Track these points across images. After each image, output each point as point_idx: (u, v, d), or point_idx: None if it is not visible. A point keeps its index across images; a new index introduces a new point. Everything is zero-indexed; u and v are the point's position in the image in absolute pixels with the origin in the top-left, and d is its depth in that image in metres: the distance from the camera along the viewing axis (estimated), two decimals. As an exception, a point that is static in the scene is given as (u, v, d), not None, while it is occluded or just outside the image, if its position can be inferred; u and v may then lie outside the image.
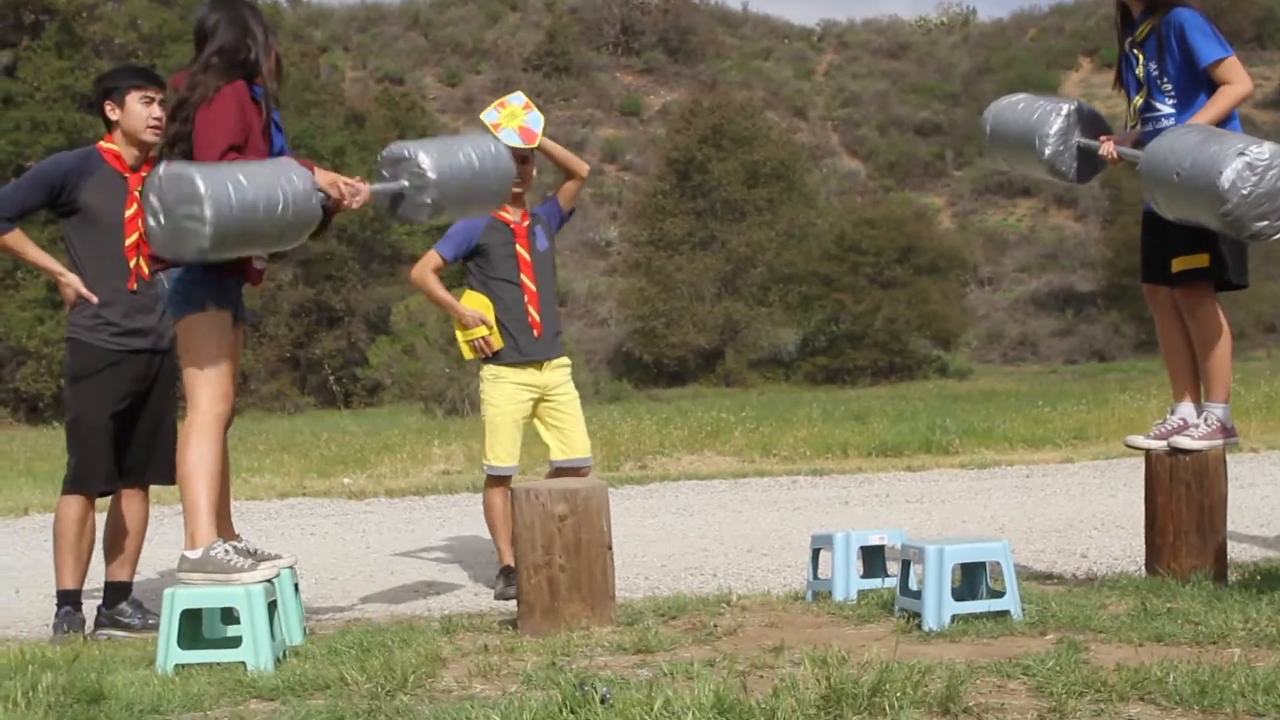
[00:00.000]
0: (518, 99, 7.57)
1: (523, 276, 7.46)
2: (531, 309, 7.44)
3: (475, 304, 7.45)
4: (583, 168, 7.76)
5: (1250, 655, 4.37)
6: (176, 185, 4.93)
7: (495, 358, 7.44)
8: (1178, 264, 6.04)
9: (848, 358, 44.62)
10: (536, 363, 7.46)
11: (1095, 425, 16.98)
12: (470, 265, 7.59)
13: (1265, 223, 5.41)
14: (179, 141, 5.29)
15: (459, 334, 7.52)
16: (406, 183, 5.63)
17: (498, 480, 7.38)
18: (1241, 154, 5.35)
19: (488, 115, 7.48)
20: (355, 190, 5.59)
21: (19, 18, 41.40)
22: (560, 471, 7.44)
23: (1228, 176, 5.32)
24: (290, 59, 49.60)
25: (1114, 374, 39.18)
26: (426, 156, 5.61)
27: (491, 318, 7.40)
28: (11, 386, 35.54)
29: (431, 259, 7.57)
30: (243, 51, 5.39)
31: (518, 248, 7.48)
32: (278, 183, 5.07)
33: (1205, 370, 6.10)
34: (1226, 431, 6.08)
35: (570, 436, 7.51)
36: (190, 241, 4.91)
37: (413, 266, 7.86)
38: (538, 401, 7.50)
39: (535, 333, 7.44)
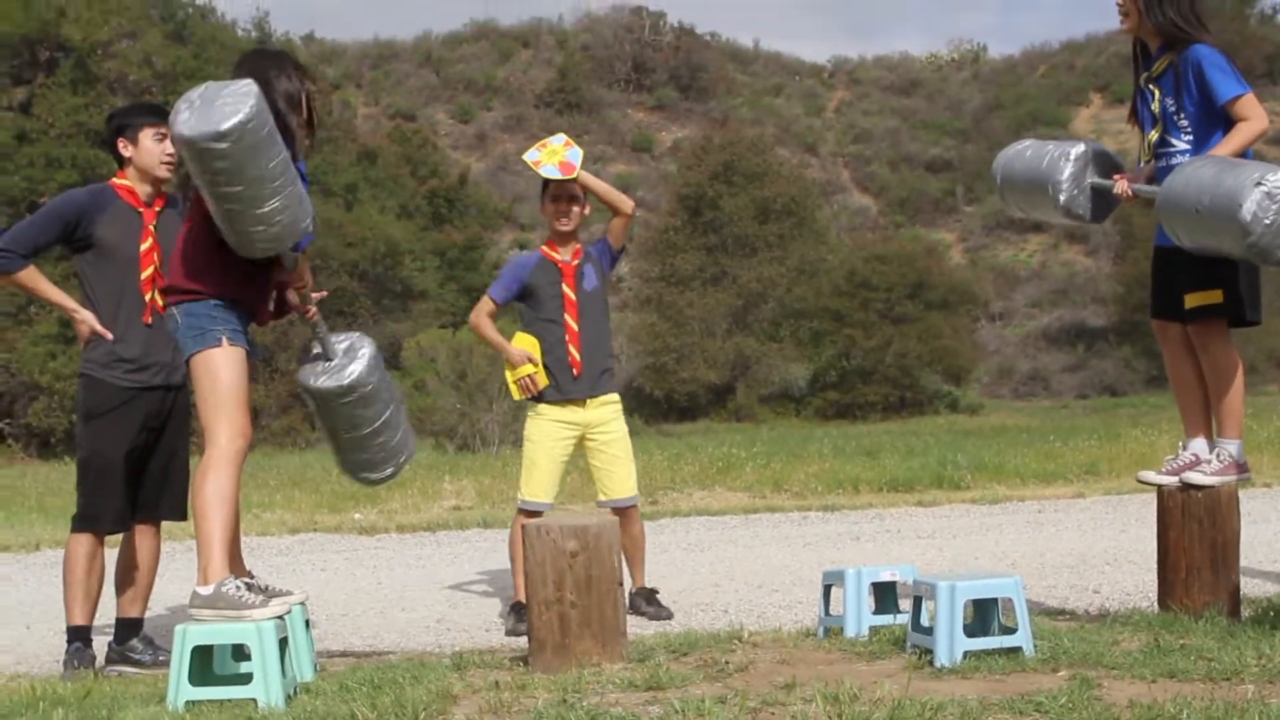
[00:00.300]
0: (559, 139, 7.78)
1: (566, 316, 7.63)
2: (572, 348, 7.59)
3: (523, 344, 7.66)
4: (626, 204, 7.82)
5: (1264, 692, 4.35)
6: (230, 86, 5.03)
7: (538, 396, 7.61)
8: (1191, 300, 6.03)
9: (859, 393, 44.56)
10: (578, 401, 7.61)
11: (1107, 460, 16.95)
12: (520, 306, 7.83)
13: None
14: (192, 186, 5.30)
15: (508, 373, 7.71)
16: (337, 356, 5.64)
17: (529, 515, 7.33)
18: (1259, 184, 5.36)
19: (530, 155, 7.68)
20: (306, 305, 5.67)
21: (34, 55, 41.62)
22: (612, 511, 7.54)
23: (1248, 208, 5.32)
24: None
25: (1125, 409, 39.12)
26: (365, 361, 5.68)
27: (539, 356, 7.58)
28: (24, 422, 35.55)
29: (485, 304, 7.86)
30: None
31: (564, 288, 7.66)
32: (300, 191, 5.22)
33: (1218, 407, 6.08)
34: (1239, 468, 6.07)
35: (611, 477, 7.67)
36: (217, 115, 4.91)
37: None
38: (582, 439, 7.65)
39: (575, 371, 7.60)
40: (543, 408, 7.61)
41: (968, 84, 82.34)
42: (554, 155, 7.60)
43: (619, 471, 7.67)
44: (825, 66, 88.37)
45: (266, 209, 5.07)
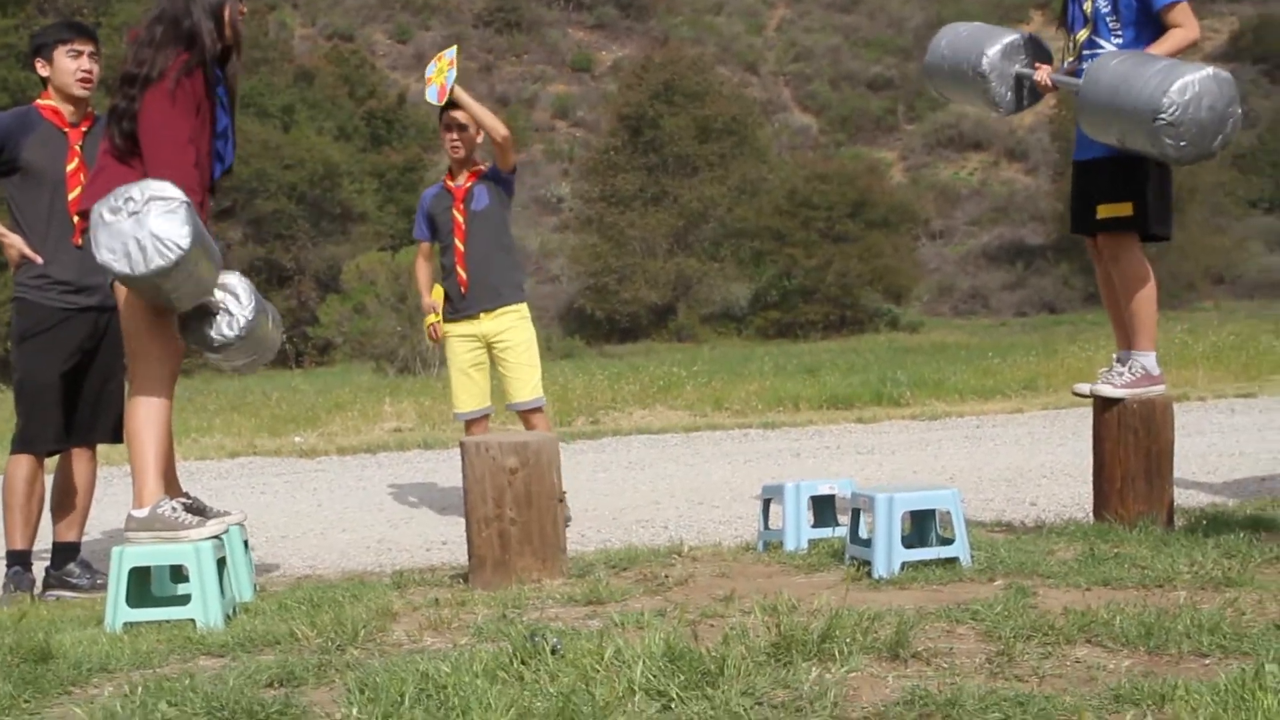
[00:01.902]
0: (449, 53, 7.97)
1: (454, 239, 7.95)
2: (459, 269, 7.93)
3: (438, 295, 8.06)
4: (498, 132, 7.85)
5: (1195, 598, 4.41)
6: (163, 223, 4.85)
7: (443, 316, 8.03)
8: (1103, 211, 6.09)
9: (799, 312, 44.75)
10: (472, 315, 7.95)
11: (1045, 376, 17.09)
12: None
13: (1193, 148, 5.48)
14: (123, 118, 5.19)
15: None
16: (221, 307, 5.54)
17: (469, 424, 8.05)
18: (1180, 77, 5.43)
19: (429, 69, 7.93)
20: None
21: (-39, -25, 40.87)
22: (518, 415, 8.06)
23: (1167, 101, 5.37)
24: (237, 16, 49.20)
25: (1064, 326, 39.45)
26: (247, 297, 5.54)
27: (440, 307, 8.03)
28: (-42, 350, 35.19)
29: (419, 249, 8.46)
30: (185, 20, 5.23)
31: (454, 212, 7.97)
32: (216, 254, 5.19)
33: (1130, 317, 6.14)
34: (1151, 379, 6.11)
35: (511, 382, 8.03)
36: (128, 256, 4.84)
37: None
38: (490, 349, 7.99)
39: (462, 290, 7.93)
40: (446, 326, 8.02)
41: (909, 1, 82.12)
42: (439, 75, 7.83)
43: (519, 376, 7.98)
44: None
45: (172, 297, 5.11)
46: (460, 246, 7.90)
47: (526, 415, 7.96)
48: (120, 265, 4.82)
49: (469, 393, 8.01)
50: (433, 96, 7.81)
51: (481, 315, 7.92)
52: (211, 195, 5.50)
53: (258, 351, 5.76)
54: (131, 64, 5.19)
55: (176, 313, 5.27)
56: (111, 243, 4.82)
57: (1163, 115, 5.39)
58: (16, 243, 6.32)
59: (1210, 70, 5.53)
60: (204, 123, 5.27)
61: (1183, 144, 5.44)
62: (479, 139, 7.97)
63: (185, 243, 4.81)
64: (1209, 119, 5.46)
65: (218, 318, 5.43)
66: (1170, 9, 5.88)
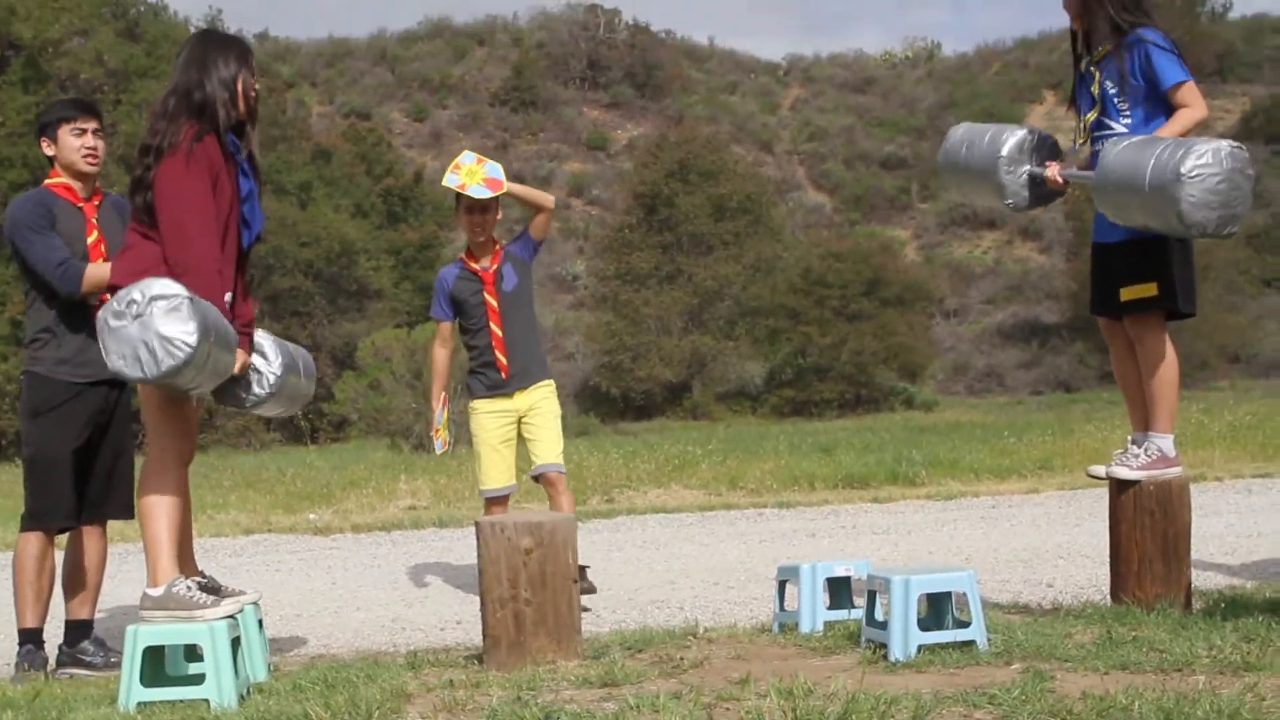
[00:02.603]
0: (468, 157, 8.15)
1: (490, 323, 7.98)
2: (498, 353, 7.98)
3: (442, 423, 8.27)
4: (548, 201, 8.25)
5: (1215, 682, 4.38)
6: (171, 329, 4.88)
7: (471, 393, 8.13)
8: (1126, 293, 6.09)
9: (814, 390, 44.69)
10: (508, 394, 8.00)
11: (1061, 456, 17.02)
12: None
13: (1215, 215, 5.48)
14: (141, 188, 5.25)
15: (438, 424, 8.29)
16: (250, 368, 5.61)
17: (491, 502, 8.07)
18: (1193, 156, 5.44)
19: (449, 179, 7.99)
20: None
21: (-16, 54, 41.31)
22: (537, 479, 8.05)
23: (1183, 182, 5.39)
24: (257, 94, 49.63)
25: (1080, 405, 39.36)
26: (275, 361, 5.67)
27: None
28: (-29, 425, 35.27)
29: (439, 330, 8.39)
30: (197, 93, 5.31)
31: (485, 295, 8.00)
32: (229, 338, 5.21)
33: (1151, 399, 6.12)
34: (1167, 461, 6.09)
35: (537, 445, 8.02)
36: (138, 360, 4.88)
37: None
38: (520, 421, 8.03)
39: (503, 374, 7.99)
40: (477, 403, 8.07)
41: (922, 81, 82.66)
42: (473, 175, 7.93)
43: (543, 439, 8.01)
44: (780, 64, 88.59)
45: (196, 384, 5.15)
46: (498, 332, 7.96)
47: (550, 478, 7.95)
48: (132, 370, 4.87)
49: (499, 469, 8.02)
50: (483, 192, 7.86)
51: (517, 393, 7.98)
52: (246, 261, 5.55)
53: (291, 403, 5.88)
54: (146, 135, 5.27)
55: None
56: (121, 348, 4.86)
57: (1180, 190, 5.39)
58: None
59: (1224, 142, 5.56)
60: (225, 191, 5.31)
61: (1201, 216, 5.44)
62: (499, 218, 8.06)
63: (193, 340, 4.83)
64: (1226, 189, 5.46)
65: (249, 377, 5.50)
66: (1177, 89, 5.91)
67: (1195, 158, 5.43)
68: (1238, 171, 5.50)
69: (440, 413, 8.20)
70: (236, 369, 5.35)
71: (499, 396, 7.98)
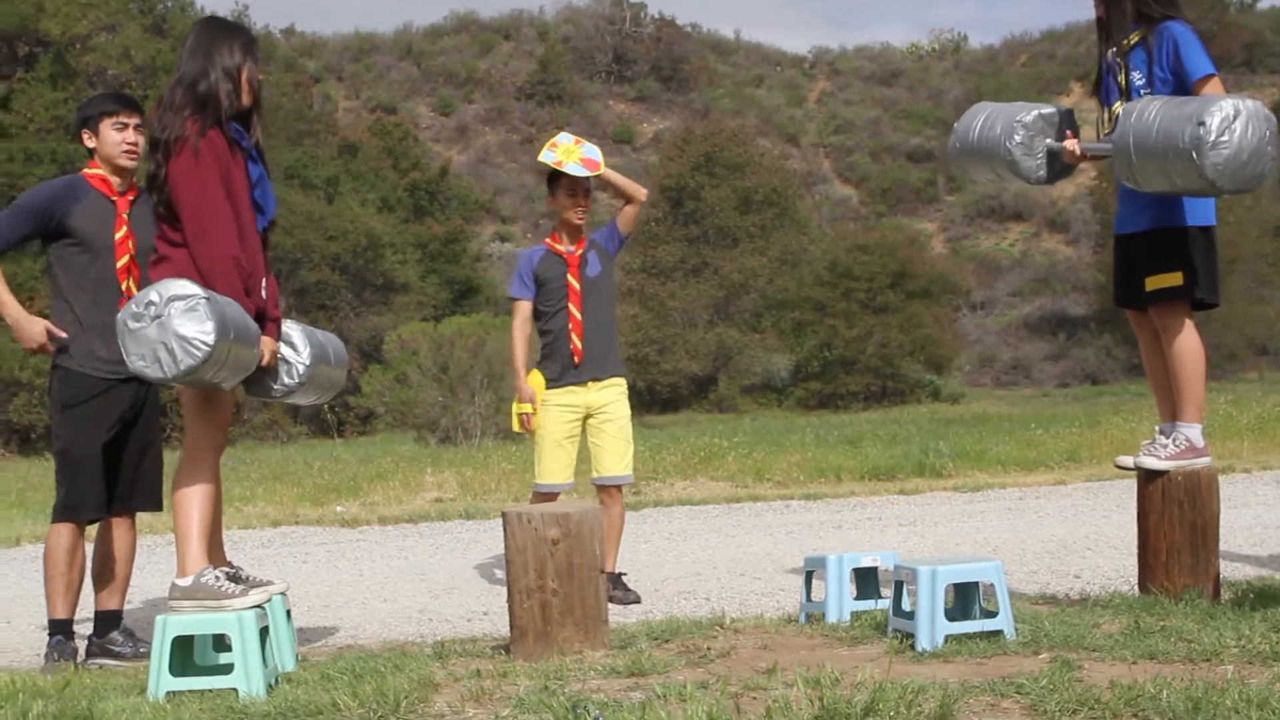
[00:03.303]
0: (566, 137, 7.99)
1: (570, 305, 7.83)
2: (574, 336, 7.80)
3: (535, 382, 7.88)
4: (641, 192, 8.10)
5: (1244, 672, 4.36)
6: (191, 326, 4.90)
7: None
8: (1151, 283, 6.06)
9: (840, 383, 44.62)
10: (579, 384, 7.84)
11: (1088, 448, 16.98)
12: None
13: (1239, 166, 5.44)
14: (156, 184, 5.29)
15: (514, 404, 7.95)
16: (280, 359, 5.65)
17: (542, 497, 7.84)
18: (1230, 99, 5.43)
19: (546, 156, 7.85)
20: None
21: (13, 50, 41.53)
22: (599, 488, 7.91)
23: (1215, 110, 5.37)
24: (283, 89, 49.76)
25: (1107, 397, 39.23)
26: (305, 351, 5.69)
27: (540, 397, 7.82)
28: (3, 418, 35.45)
29: (517, 310, 8.03)
30: (203, 83, 5.33)
31: (569, 278, 7.85)
32: (250, 332, 5.22)
33: (1178, 389, 6.09)
34: (1196, 451, 6.07)
35: (607, 454, 7.88)
36: (158, 361, 4.91)
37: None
38: (586, 419, 7.88)
39: (576, 359, 7.82)
40: (547, 394, 7.83)
41: (949, 74, 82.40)
42: (570, 154, 7.80)
43: (615, 450, 7.86)
44: (806, 57, 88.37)
45: (219, 380, 5.17)
46: (577, 314, 7.79)
47: (610, 490, 7.85)
48: (153, 371, 4.90)
49: (561, 464, 7.84)
50: (579, 170, 7.75)
51: (590, 384, 7.82)
52: (264, 245, 5.58)
53: (322, 391, 5.90)
54: (157, 129, 5.30)
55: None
56: (140, 349, 4.90)
57: (1201, 140, 5.35)
58: (38, 333, 6.36)
59: (1247, 99, 5.53)
60: (239, 182, 5.35)
61: (1225, 168, 5.38)
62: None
63: (211, 339, 4.86)
64: (1254, 142, 5.42)
65: (278, 368, 5.53)
66: (1204, 82, 5.88)
67: (1215, 109, 5.40)
68: (1260, 123, 5.45)
69: (531, 390, 7.85)
70: (265, 360, 5.38)
71: (569, 386, 7.80)
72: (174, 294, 4.91)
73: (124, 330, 4.93)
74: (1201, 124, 5.36)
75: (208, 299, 4.91)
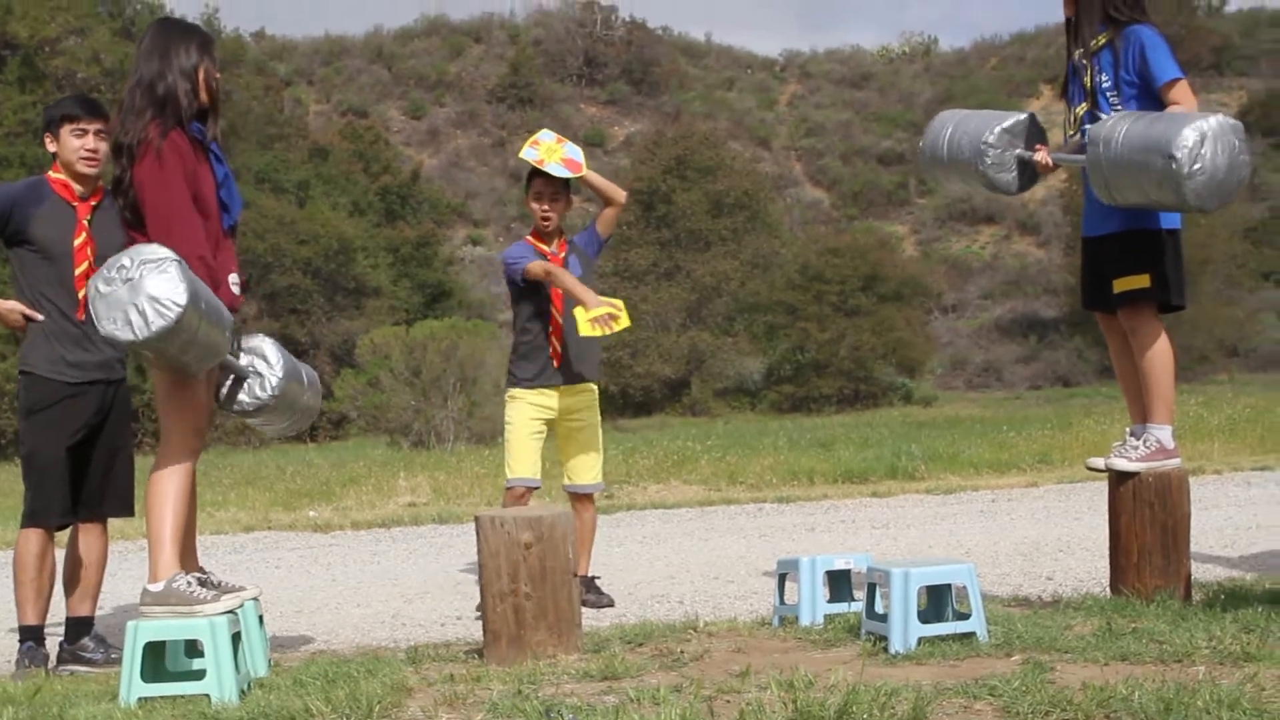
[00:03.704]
0: (548, 135, 7.80)
1: (552, 308, 7.69)
2: (554, 339, 7.68)
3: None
4: (621, 195, 7.97)
5: (1215, 672, 4.39)
6: (157, 283, 4.86)
7: (513, 380, 7.77)
8: (1119, 285, 6.10)
9: (813, 386, 44.64)
10: (553, 387, 7.71)
11: (1059, 450, 17.04)
12: (510, 293, 7.87)
13: (1210, 182, 5.48)
14: (122, 187, 5.28)
15: (580, 315, 7.40)
16: (251, 370, 5.67)
17: (514, 495, 7.65)
18: (1192, 127, 5.47)
19: (527, 153, 7.66)
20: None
21: (-20, 53, 41.31)
22: (572, 495, 7.82)
23: (1181, 150, 5.40)
24: (253, 93, 49.63)
25: (1078, 399, 39.36)
26: (278, 366, 5.70)
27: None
28: (-27, 424, 35.27)
29: (534, 269, 7.61)
30: (160, 85, 5.34)
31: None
32: (223, 317, 5.17)
33: (1148, 390, 6.13)
34: (1166, 453, 6.10)
35: (578, 462, 7.82)
36: (131, 325, 4.84)
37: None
38: (555, 423, 7.77)
39: (555, 363, 7.70)
40: (519, 391, 7.72)
41: (919, 77, 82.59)
42: (553, 152, 7.66)
43: (588, 458, 7.81)
44: (777, 60, 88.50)
45: (183, 361, 5.11)
46: (558, 317, 7.66)
47: (581, 499, 7.79)
48: (124, 333, 4.83)
49: (531, 458, 7.66)
50: (561, 171, 7.60)
51: (563, 388, 7.71)
52: (231, 241, 5.57)
53: (294, 414, 5.88)
54: (120, 133, 5.30)
55: (202, 381, 5.31)
56: (112, 313, 4.84)
57: (1173, 156, 5.40)
58: (15, 307, 6.36)
59: (1218, 116, 5.57)
60: (205, 181, 5.36)
61: (1198, 183, 5.43)
62: (570, 208, 7.86)
63: (182, 299, 4.82)
64: (1224, 159, 5.47)
65: (249, 381, 5.52)
66: (1170, 86, 5.92)
67: (1180, 142, 5.44)
68: (1228, 136, 5.51)
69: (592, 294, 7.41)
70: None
71: (543, 388, 7.68)
72: (145, 257, 4.88)
73: (95, 295, 4.88)
74: (1171, 158, 5.41)
75: (178, 262, 4.89)
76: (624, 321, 7.43)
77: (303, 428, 6.23)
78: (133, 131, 5.26)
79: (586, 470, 7.82)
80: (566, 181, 7.78)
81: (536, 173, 7.73)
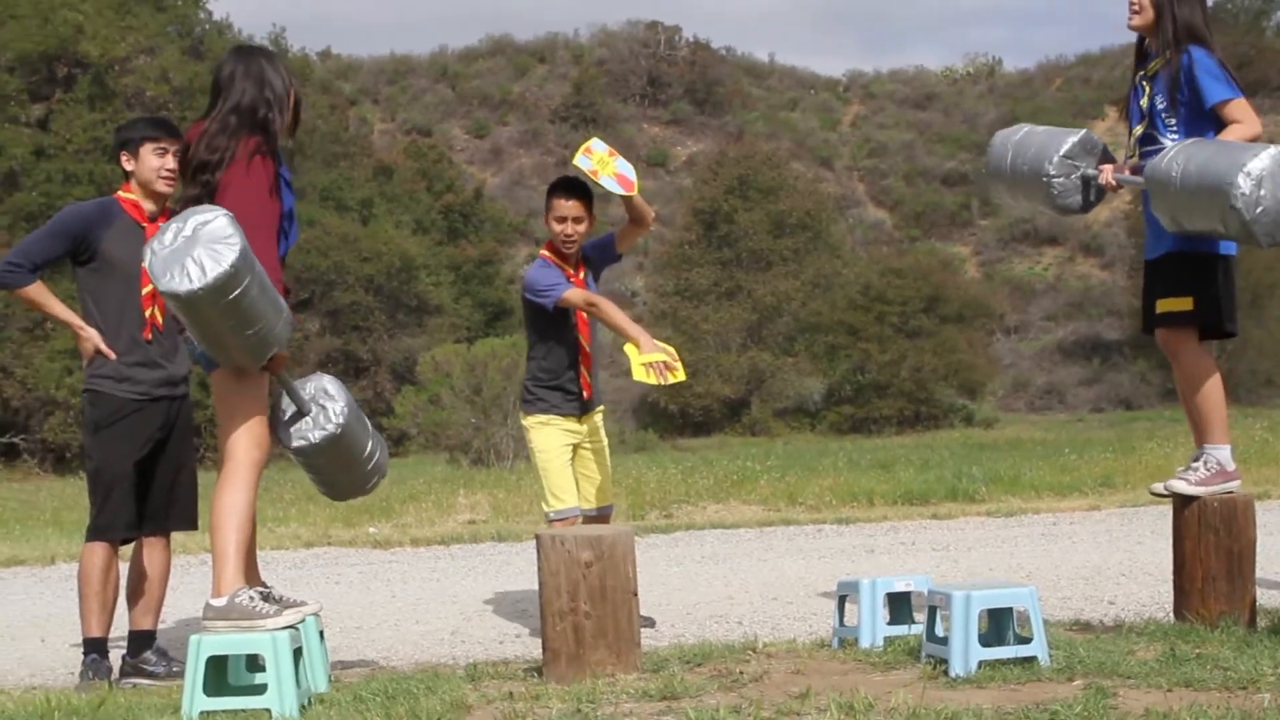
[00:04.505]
0: (600, 145, 7.40)
1: (579, 336, 7.44)
2: (584, 369, 7.45)
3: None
4: (651, 217, 7.66)
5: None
6: (219, 235, 4.90)
7: (542, 406, 7.42)
8: (1161, 306, 6.08)
9: (873, 407, 44.50)
10: (584, 415, 7.52)
11: (1122, 473, 16.90)
12: (528, 316, 7.55)
13: (1271, 228, 5.43)
14: (198, 204, 5.32)
15: (634, 355, 6.98)
16: (312, 409, 5.68)
17: (559, 524, 7.22)
18: (1256, 156, 5.41)
19: (581, 161, 7.27)
20: (284, 386, 5.64)
21: (52, 72, 41.83)
22: (588, 518, 7.52)
23: (1242, 182, 5.35)
24: (319, 111, 49.98)
25: (1141, 422, 39.03)
26: (341, 401, 5.71)
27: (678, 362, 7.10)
28: (39, 437, 35.67)
29: (572, 297, 7.25)
30: (261, 109, 5.43)
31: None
32: (274, 306, 5.17)
33: (1196, 413, 6.08)
34: (1226, 475, 6.04)
35: (597, 484, 7.60)
36: (175, 275, 4.86)
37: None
38: (576, 447, 7.54)
39: (586, 393, 7.46)
40: (548, 418, 7.41)
41: (983, 97, 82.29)
42: (605, 165, 7.28)
43: (604, 478, 7.65)
44: (840, 80, 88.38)
45: (250, 328, 5.10)
46: (586, 347, 7.43)
47: (600, 521, 7.59)
48: (182, 284, 4.82)
49: (572, 485, 7.41)
50: (613, 186, 7.20)
51: (587, 416, 7.52)
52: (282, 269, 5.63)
53: (352, 466, 5.84)
54: (205, 152, 5.33)
55: (263, 391, 5.35)
56: (169, 268, 4.85)
57: (1235, 186, 5.36)
58: (93, 337, 6.44)
59: (1269, 150, 5.49)
60: (277, 204, 5.45)
61: (1260, 214, 5.38)
62: (592, 230, 7.51)
63: (237, 244, 4.86)
64: None
65: (310, 415, 5.56)
66: (1224, 105, 5.87)
67: (1253, 156, 5.40)
68: None
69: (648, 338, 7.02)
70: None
71: (573, 417, 7.44)
72: (200, 218, 4.95)
73: (152, 257, 4.91)
74: (1233, 209, 5.36)
75: (229, 215, 4.96)
76: (679, 375, 6.98)
77: (366, 488, 6.11)
78: (224, 150, 5.33)
79: (605, 492, 7.64)
80: (591, 200, 7.41)
81: (559, 190, 7.41)
